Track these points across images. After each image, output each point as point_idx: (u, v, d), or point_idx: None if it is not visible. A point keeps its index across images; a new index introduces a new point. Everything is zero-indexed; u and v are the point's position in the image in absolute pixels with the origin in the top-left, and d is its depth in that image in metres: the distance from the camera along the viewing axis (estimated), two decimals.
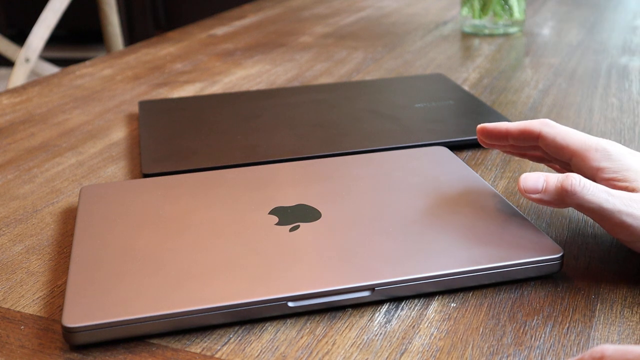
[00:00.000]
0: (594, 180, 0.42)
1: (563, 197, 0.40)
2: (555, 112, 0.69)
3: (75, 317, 0.35)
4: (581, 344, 0.35)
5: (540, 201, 0.41)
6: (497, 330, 0.36)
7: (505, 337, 0.36)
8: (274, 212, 0.45)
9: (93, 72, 0.87)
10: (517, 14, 1.00)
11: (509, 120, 0.63)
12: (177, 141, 0.60)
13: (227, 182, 0.49)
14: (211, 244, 0.41)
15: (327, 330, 0.37)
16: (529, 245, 0.40)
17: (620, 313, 0.38)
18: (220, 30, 1.10)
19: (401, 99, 0.70)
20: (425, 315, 0.38)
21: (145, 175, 0.54)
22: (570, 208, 0.49)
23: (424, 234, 0.42)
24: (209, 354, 0.35)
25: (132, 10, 3.13)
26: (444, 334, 0.36)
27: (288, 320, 0.37)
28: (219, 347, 0.36)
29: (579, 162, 0.42)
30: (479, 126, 0.48)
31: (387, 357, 0.35)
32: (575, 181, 0.39)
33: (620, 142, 0.58)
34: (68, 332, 0.35)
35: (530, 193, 0.41)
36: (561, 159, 0.44)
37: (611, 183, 0.41)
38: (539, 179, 0.41)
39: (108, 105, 0.75)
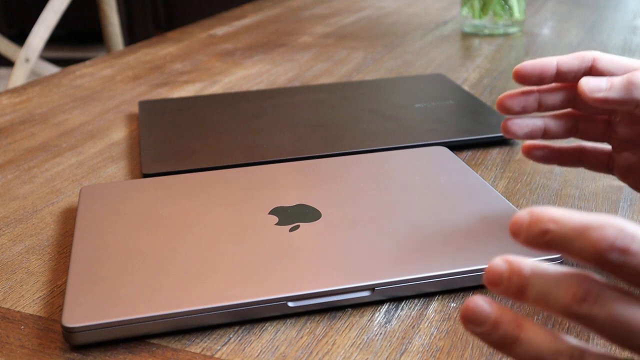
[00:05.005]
0: None
1: (631, 92, 0.36)
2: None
3: (75, 317, 0.35)
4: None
5: (604, 101, 0.37)
6: None
7: None
8: (274, 212, 0.45)
9: (93, 72, 0.87)
10: (517, 14, 1.00)
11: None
12: (177, 141, 0.60)
13: (227, 182, 0.49)
14: (211, 244, 0.41)
15: (327, 330, 0.37)
16: None
17: None
18: (220, 30, 1.10)
19: (401, 99, 0.70)
20: (425, 315, 0.38)
21: (145, 175, 0.54)
22: (571, 208, 0.49)
23: (424, 234, 0.42)
24: (209, 354, 0.35)
25: (132, 10, 3.12)
26: (444, 334, 0.36)
27: (288, 320, 0.37)
28: (219, 347, 0.36)
29: None
30: (515, 67, 0.41)
31: (387, 357, 0.35)
32: None
33: None
34: (68, 332, 0.35)
35: (594, 92, 0.37)
36: (622, 72, 0.40)
37: None
38: (601, 79, 0.37)
39: (108, 105, 0.75)
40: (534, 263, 0.25)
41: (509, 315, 0.25)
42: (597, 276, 0.25)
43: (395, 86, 0.75)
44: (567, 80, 0.41)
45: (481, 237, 0.41)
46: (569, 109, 0.44)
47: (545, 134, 0.43)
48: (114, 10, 1.72)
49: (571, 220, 0.24)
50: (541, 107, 0.43)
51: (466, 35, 1.02)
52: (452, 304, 0.39)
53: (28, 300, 0.40)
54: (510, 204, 0.45)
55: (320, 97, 0.71)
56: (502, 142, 0.61)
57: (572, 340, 0.25)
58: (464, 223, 0.43)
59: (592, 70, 0.41)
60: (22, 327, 0.38)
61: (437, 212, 0.45)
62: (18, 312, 0.39)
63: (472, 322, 0.25)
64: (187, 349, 0.35)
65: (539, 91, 0.42)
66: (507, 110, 0.42)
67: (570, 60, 0.41)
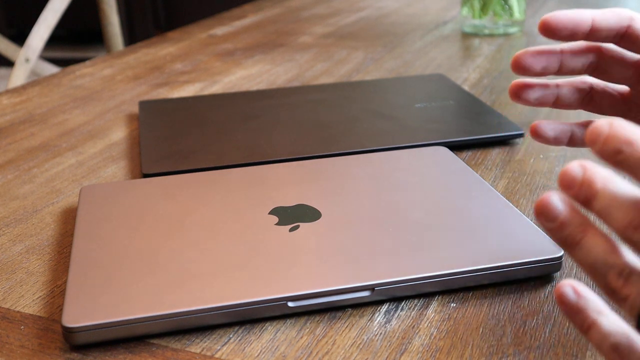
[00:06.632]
0: None
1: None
2: (556, 112, 0.69)
3: (75, 317, 0.35)
4: (581, 344, 0.35)
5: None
6: (497, 330, 0.36)
7: (505, 337, 0.36)
8: (274, 212, 0.45)
9: (93, 72, 0.87)
10: (517, 14, 1.00)
11: (508, 121, 0.63)
12: (177, 141, 0.60)
13: (227, 182, 0.49)
14: (211, 244, 0.41)
15: (327, 330, 0.37)
16: (529, 245, 0.40)
17: (620, 313, 0.38)
18: (220, 30, 1.10)
19: (401, 99, 0.70)
20: (425, 315, 0.38)
21: (145, 175, 0.54)
22: None
23: (424, 234, 0.42)
24: (209, 354, 0.35)
25: (132, 10, 3.13)
26: (444, 334, 0.36)
27: (288, 320, 0.37)
28: (219, 347, 0.36)
29: None
30: (544, 18, 0.35)
31: (387, 357, 0.35)
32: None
33: None
34: (68, 332, 0.35)
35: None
36: None
37: None
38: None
39: (108, 105, 0.75)
40: (607, 177, 0.25)
41: (578, 219, 0.26)
42: None
43: (395, 86, 0.75)
44: (598, 39, 0.37)
45: (481, 237, 0.41)
46: (584, 76, 0.41)
47: (558, 101, 0.40)
48: (114, 10, 1.72)
49: None
50: (561, 71, 0.38)
51: (466, 35, 1.02)
52: (452, 304, 0.39)
53: (28, 300, 0.40)
54: (510, 204, 0.45)
55: (320, 97, 0.71)
56: (502, 142, 0.61)
57: (629, 256, 0.25)
58: (464, 223, 0.43)
59: (628, 33, 0.36)
60: (22, 327, 0.38)
61: (437, 212, 0.45)
62: (18, 312, 0.39)
63: (542, 215, 0.26)
64: (187, 349, 0.35)
65: (562, 52, 0.38)
66: (525, 69, 0.38)
67: (607, 16, 0.36)
